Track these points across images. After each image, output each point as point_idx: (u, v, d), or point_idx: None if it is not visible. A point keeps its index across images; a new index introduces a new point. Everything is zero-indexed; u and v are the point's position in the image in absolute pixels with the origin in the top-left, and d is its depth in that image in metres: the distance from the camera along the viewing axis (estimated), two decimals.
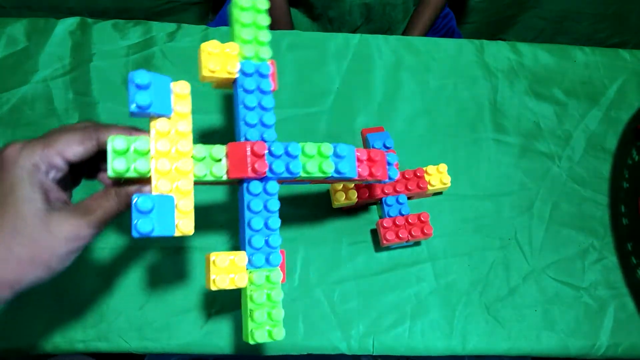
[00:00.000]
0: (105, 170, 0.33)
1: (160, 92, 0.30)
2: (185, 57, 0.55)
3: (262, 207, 0.34)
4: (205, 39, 0.56)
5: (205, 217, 0.49)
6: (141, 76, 0.29)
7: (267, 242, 0.34)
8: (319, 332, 0.47)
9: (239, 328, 0.46)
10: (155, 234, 0.28)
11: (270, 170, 0.33)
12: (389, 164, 0.38)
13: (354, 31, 0.81)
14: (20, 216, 0.27)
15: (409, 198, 0.50)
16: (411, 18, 0.82)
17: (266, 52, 0.36)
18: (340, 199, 0.46)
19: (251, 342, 0.33)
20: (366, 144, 0.50)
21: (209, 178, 0.32)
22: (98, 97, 0.53)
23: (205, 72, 0.34)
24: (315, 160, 0.34)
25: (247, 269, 0.33)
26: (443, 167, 0.49)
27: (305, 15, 0.82)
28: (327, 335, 0.47)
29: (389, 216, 0.46)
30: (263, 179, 0.34)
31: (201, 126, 0.53)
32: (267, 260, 0.34)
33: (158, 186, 0.29)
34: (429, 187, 0.48)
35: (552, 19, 1.12)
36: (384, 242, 0.45)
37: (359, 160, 0.36)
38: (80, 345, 0.45)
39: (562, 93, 0.58)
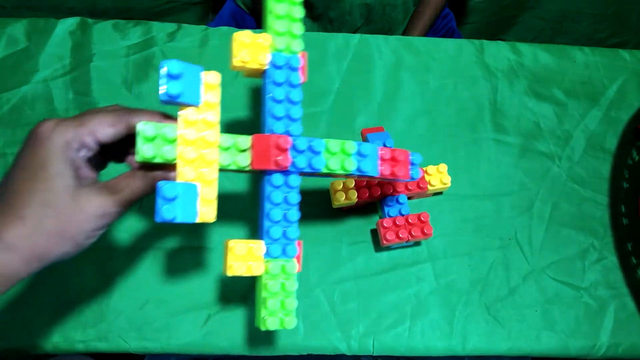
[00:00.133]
0: (133, 153, 0.33)
1: (191, 82, 0.31)
2: (185, 58, 0.55)
3: (282, 199, 0.34)
4: (205, 39, 0.56)
5: None
6: (174, 66, 0.29)
7: (285, 233, 0.35)
8: (319, 332, 0.47)
9: (239, 328, 0.46)
10: (178, 220, 0.29)
11: (293, 164, 0.34)
12: (412, 164, 0.38)
13: (354, 32, 0.81)
14: (51, 190, 0.28)
15: (409, 198, 0.50)
16: (411, 18, 0.82)
17: (298, 45, 0.36)
18: (340, 199, 0.46)
19: (263, 328, 0.33)
20: None
21: (233, 167, 0.33)
22: (98, 97, 0.53)
23: (236, 62, 0.34)
24: (338, 157, 0.35)
25: (264, 258, 0.34)
26: (443, 167, 0.49)
27: (305, 15, 0.82)
28: (327, 335, 0.47)
29: (389, 216, 0.46)
30: (285, 172, 0.34)
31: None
32: (284, 251, 0.35)
33: (183, 173, 0.30)
34: (429, 187, 0.48)
35: (551, 19, 1.12)
36: (384, 242, 0.45)
37: (382, 159, 0.37)
38: (80, 345, 0.45)
39: (562, 93, 0.58)
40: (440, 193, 0.52)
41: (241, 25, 0.84)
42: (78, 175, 0.29)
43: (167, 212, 0.29)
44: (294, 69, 0.36)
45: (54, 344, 0.45)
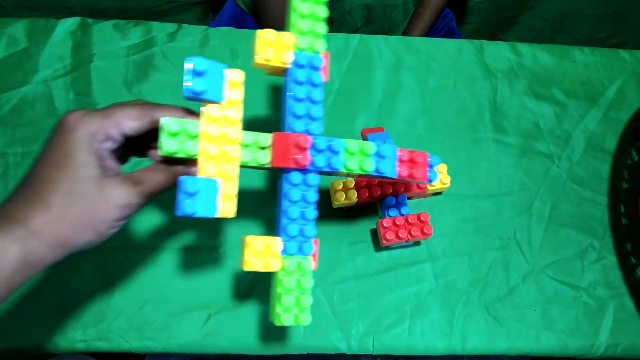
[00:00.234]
0: (155, 147, 0.34)
1: (215, 79, 0.31)
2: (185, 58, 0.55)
3: (300, 197, 0.35)
4: (206, 39, 0.56)
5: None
6: (199, 63, 0.30)
7: (301, 231, 0.35)
8: (319, 332, 0.47)
9: (239, 328, 0.46)
10: (198, 214, 0.30)
11: (312, 163, 0.34)
12: (430, 165, 0.39)
13: (354, 32, 0.81)
14: (76, 179, 0.28)
15: (408, 198, 0.50)
16: (411, 19, 0.82)
17: (321, 45, 0.36)
18: (340, 199, 0.46)
19: (277, 324, 0.34)
20: None
21: (253, 164, 0.33)
22: (98, 97, 0.53)
23: (258, 59, 0.34)
24: (357, 157, 0.35)
25: (280, 255, 0.34)
26: (443, 167, 0.49)
27: None
28: (327, 335, 0.47)
29: (389, 216, 0.46)
30: (304, 170, 0.34)
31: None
32: (300, 249, 0.35)
33: (204, 169, 0.31)
34: (429, 187, 0.48)
35: (551, 20, 1.12)
36: (384, 242, 0.46)
37: (400, 160, 0.37)
38: (80, 345, 0.45)
39: (562, 93, 0.58)
40: (439, 193, 0.52)
41: (241, 26, 0.84)
42: (102, 166, 0.29)
43: (188, 206, 0.29)
44: (315, 68, 0.36)
45: (54, 344, 0.45)
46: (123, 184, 0.30)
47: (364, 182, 0.47)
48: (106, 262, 0.47)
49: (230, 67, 0.57)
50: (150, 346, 0.45)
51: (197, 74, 0.30)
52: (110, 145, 0.30)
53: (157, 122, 0.30)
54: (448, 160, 0.52)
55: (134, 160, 0.36)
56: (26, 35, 0.55)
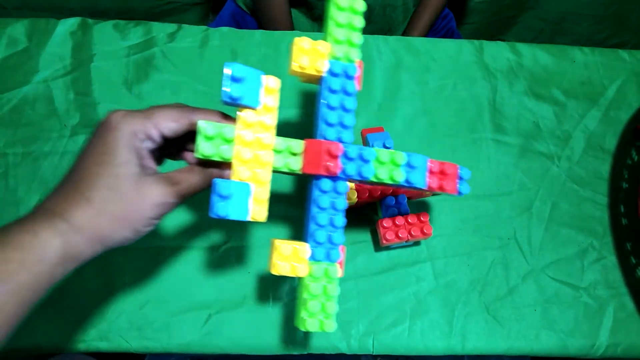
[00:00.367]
0: (190, 150, 0.35)
1: (252, 85, 0.32)
2: (185, 58, 0.56)
3: (329, 204, 0.35)
4: (206, 39, 0.56)
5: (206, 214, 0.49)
6: (238, 69, 0.31)
7: (329, 238, 0.35)
8: (319, 332, 0.47)
9: (239, 328, 0.46)
10: (230, 217, 0.31)
11: (343, 171, 0.34)
12: (460, 178, 0.39)
13: None
14: (117, 176, 0.29)
15: (408, 198, 0.50)
16: (411, 19, 0.82)
17: (356, 54, 0.36)
18: None
19: (302, 329, 0.34)
20: (366, 144, 0.51)
21: (285, 170, 0.34)
22: (99, 97, 0.53)
23: (294, 67, 0.35)
24: (387, 167, 0.35)
25: (308, 261, 0.35)
26: None
27: (305, 15, 0.82)
28: (327, 334, 0.47)
29: (389, 216, 0.46)
30: (334, 177, 0.35)
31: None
32: (328, 255, 0.35)
33: (238, 173, 0.32)
34: None
35: (551, 20, 1.12)
36: (384, 242, 0.46)
37: (430, 172, 0.37)
38: (80, 345, 0.45)
39: (562, 93, 0.58)
40: (439, 193, 0.52)
41: (241, 26, 0.84)
42: (142, 165, 0.30)
43: (221, 208, 0.30)
44: (350, 77, 0.36)
45: (54, 344, 0.45)
46: (160, 183, 0.30)
47: None
48: (106, 263, 0.47)
49: None
50: (150, 346, 0.45)
51: (235, 80, 0.31)
52: (149, 145, 0.31)
53: (194, 124, 0.31)
54: (447, 160, 0.52)
55: (167, 163, 0.36)
56: (26, 35, 0.55)
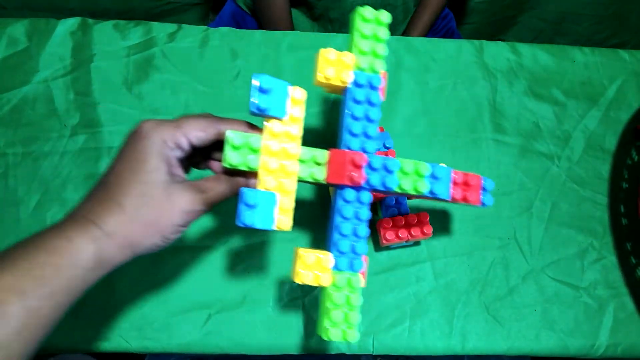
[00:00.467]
0: (217, 159, 0.36)
1: (278, 96, 0.32)
2: (185, 58, 0.56)
3: (352, 214, 0.35)
4: (206, 39, 0.56)
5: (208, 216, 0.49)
6: (265, 80, 0.31)
7: (353, 247, 0.35)
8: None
9: (239, 328, 0.46)
10: (256, 226, 0.31)
11: (367, 182, 0.34)
12: (484, 189, 0.39)
13: None
14: (148, 183, 0.30)
15: (408, 198, 0.50)
16: (411, 19, 0.82)
17: (381, 65, 0.37)
18: None
19: (325, 338, 0.34)
20: None
21: (309, 180, 0.34)
22: (99, 97, 0.53)
23: (319, 78, 0.35)
24: (411, 178, 0.36)
25: (331, 270, 0.35)
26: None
27: (305, 15, 0.82)
28: None
29: (389, 216, 0.46)
30: (358, 188, 0.35)
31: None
32: (351, 265, 0.35)
33: (264, 182, 0.32)
34: None
35: (551, 20, 1.12)
36: (384, 241, 0.46)
37: (454, 183, 0.37)
38: (80, 345, 0.45)
39: (561, 93, 0.58)
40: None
41: (241, 26, 0.84)
42: (171, 173, 0.31)
43: (247, 217, 0.31)
44: (374, 88, 0.36)
45: (54, 344, 0.45)
46: (189, 191, 0.31)
47: None
48: None
49: (230, 67, 0.58)
50: (150, 346, 0.45)
51: (262, 91, 0.31)
52: (178, 153, 0.32)
53: (222, 134, 0.32)
54: (448, 160, 0.52)
55: (193, 172, 0.37)
56: (26, 35, 0.55)
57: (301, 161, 0.34)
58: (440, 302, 0.49)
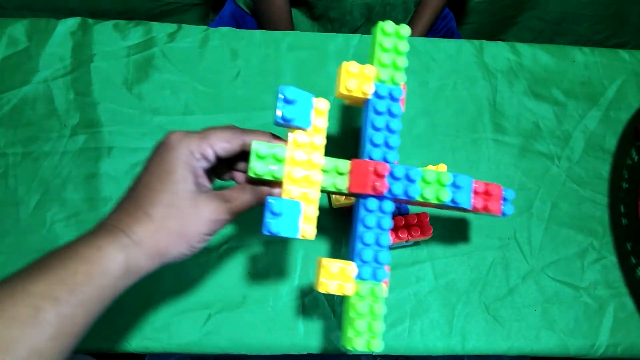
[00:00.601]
0: (239, 170, 0.37)
1: (303, 107, 0.33)
2: (185, 58, 0.56)
3: (375, 223, 0.35)
4: (206, 39, 0.56)
5: None
6: (290, 92, 0.32)
7: (376, 257, 0.35)
8: (319, 332, 0.47)
9: (239, 328, 0.46)
10: (282, 234, 0.32)
11: (389, 191, 0.35)
12: (504, 199, 0.39)
13: (354, 31, 0.81)
14: (175, 193, 0.31)
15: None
16: (411, 19, 0.83)
17: (401, 77, 0.37)
18: (341, 199, 0.46)
19: (349, 348, 0.34)
20: None
21: (332, 189, 0.35)
22: (99, 97, 0.53)
23: (342, 90, 0.36)
24: (433, 187, 0.36)
25: (354, 279, 0.35)
26: (442, 167, 0.49)
27: (305, 15, 0.82)
28: (327, 335, 0.47)
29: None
30: (380, 197, 0.35)
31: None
32: (374, 274, 0.35)
33: (289, 191, 0.33)
34: None
35: (551, 20, 1.12)
36: None
37: (475, 192, 0.38)
38: (80, 345, 0.45)
39: (561, 93, 0.58)
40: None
41: (241, 26, 0.84)
42: (197, 183, 0.32)
43: (273, 225, 0.31)
44: (395, 99, 0.37)
45: None
46: (214, 200, 0.32)
47: None
48: None
49: (230, 67, 0.58)
50: (150, 346, 0.45)
51: (288, 102, 0.32)
52: (204, 164, 0.32)
53: (247, 145, 0.33)
54: (448, 160, 0.53)
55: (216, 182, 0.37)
56: (26, 35, 0.55)
57: (324, 171, 0.34)
58: (440, 302, 0.49)
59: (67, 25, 0.56)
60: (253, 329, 0.46)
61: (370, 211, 0.35)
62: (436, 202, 0.36)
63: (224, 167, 0.36)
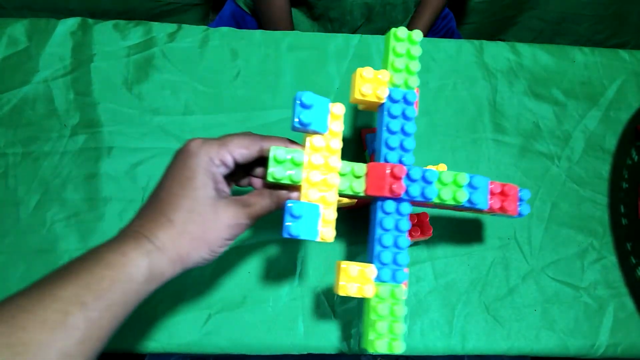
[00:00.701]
0: (256, 175, 0.37)
1: (320, 112, 0.33)
2: (185, 58, 0.56)
3: (393, 225, 0.36)
4: (206, 39, 0.56)
5: None
6: (307, 97, 0.33)
7: (395, 259, 0.36)
8: (319, 332, 0.47)
9: (239, 328, 0.46)
10: (302, 237, 0.32)
11: (407, 192, 0.35)
12: (521, 200, 0.39)
13: (354, 31, 0.81)
14: (196, 199, 0.31)
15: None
16: (411, 19, 0.83)
17: (414, 81, 0.38)
18: (342, 200, 0.46)
19: (371, 351, 0.34)
20: (365, 144, 0.51)
21: (349, 192, 0.35)
22: (99, 97, 0.53)
23: (357, 95, 0.37)
24: (450, 188, 0.36)
25: (373, 282, 0.35)
26: (442, 167, 0.49)
27: (305, 15, 0.82)
28: (327, 335, 0.47)
29: None
30: (397, 199, 0.35)
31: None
32: (393, 276, 0.35)
33: (308, 195, 0.33)
34: None
35: (551, 20, 1.12)
36: None
37: (491, 193, 0.38)
38: None
39: (561, 93, 0.58)
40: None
41: (241, 26, 0.84)
42: (217, 189, 0.32)
43: (293, 228, 0.32)
44: (409, 103, 0.37)
45: None
46: (234, 206, 0.32)
47: None
48: None
49: (230, 67, 0.58)
50: (150, 346, 0.45)
51: (304, 106, 0.33)
52: (223, 170, 0.33)
53: (264, 151, 0.33)
54: (448, 160, 0.53)
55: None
56: (26, 35, 0.55)
57: (341, 174, 0.35)
58: (440, 302, 0.49)
59: (67, 25, 0.56)
60: (253, 329, 0.46)
61: (387, 213, 0.36)
62: (453, 203, 0.36)
63: (241, 173, 0.37)
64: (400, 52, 0.38)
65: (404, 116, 0.37)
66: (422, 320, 0.48)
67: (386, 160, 0.36)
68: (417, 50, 0.38)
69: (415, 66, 0.38)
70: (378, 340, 0.34)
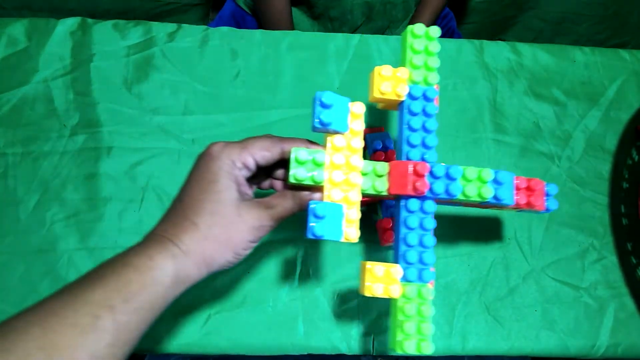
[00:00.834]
0: (277, 178, 0.37)
1: (340, 111, 0.33)
2: (185, 58, 0.55)
3: (418, 224, 0.35)
4: (206, 39, 0.56)
5: None
6: (327, 97, 0.32)
7: (421, 258, 0.35)
8: (319, 332, 0.47)
9: (239, 328, 0.46)
10: (325, 237, 0.32)
11: (430, 190, 0.35)
12: (547, 194, 0.38)
13: (354, 30, 0.81)
14: (219, 201, 0.31)
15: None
16: (412, 18, 0.83)
17: (434, 78, 0.37)
18: None
19: (399, 351, 0.34)
20: (366, 144, 0.50)
21: (371, 192, 0.35)
22: (98, 97, 0.53)
23: (376, 94, 0.36)
24: (475, 184, 0.36)
25: (400, 282, 0.35)
26: None
27: (305, 14, 0.82)
28: (327, 335, 0.47)
29: (389, 216, 0.46)
30: (421, 197, 0.35)
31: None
32: (420, 276, 0.35)
33: (331, 195, 0.33)
34: None
35: (551, 20, 1.12)
36: (384, 242, 0.45)
37: (517, 188, 0.37)
38: None
39: (562, 93, 0.58)
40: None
41: (241, 26, 0.84)
42: (240, 191, 0.32)
43: (317, 229, 0.31)
44: (429, 100, 0.37)
45: None
46: (257, 208, 0.32)
47: None
48: None
49: (230, 67, 0.58)
50: (150, 346, 0.45)
51: (325, 106, 0.32)
52: (245, 172, 0.33)
53: (285, 153, 0.33)
54: (448, 160, 0.52)
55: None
56: (26, 35, 0.55)
57: (363, 174, 0.35)
58: (440, 302, 0.49)
59: (67, 25, 0.56)
60: (253, 329, 0.46)
61: (411, 212, 0.35)
62: (478, 199, 0.36)
63: (262, 176, 0.37)
64: (418, 49, 0.37)
65: (425, 113, 0.36)
66: None
67: (408, 158, 0.35)
68: (435, 47, 0.38)
69: (434, 62, 0.38)
70: (406, 341, 0.33)
